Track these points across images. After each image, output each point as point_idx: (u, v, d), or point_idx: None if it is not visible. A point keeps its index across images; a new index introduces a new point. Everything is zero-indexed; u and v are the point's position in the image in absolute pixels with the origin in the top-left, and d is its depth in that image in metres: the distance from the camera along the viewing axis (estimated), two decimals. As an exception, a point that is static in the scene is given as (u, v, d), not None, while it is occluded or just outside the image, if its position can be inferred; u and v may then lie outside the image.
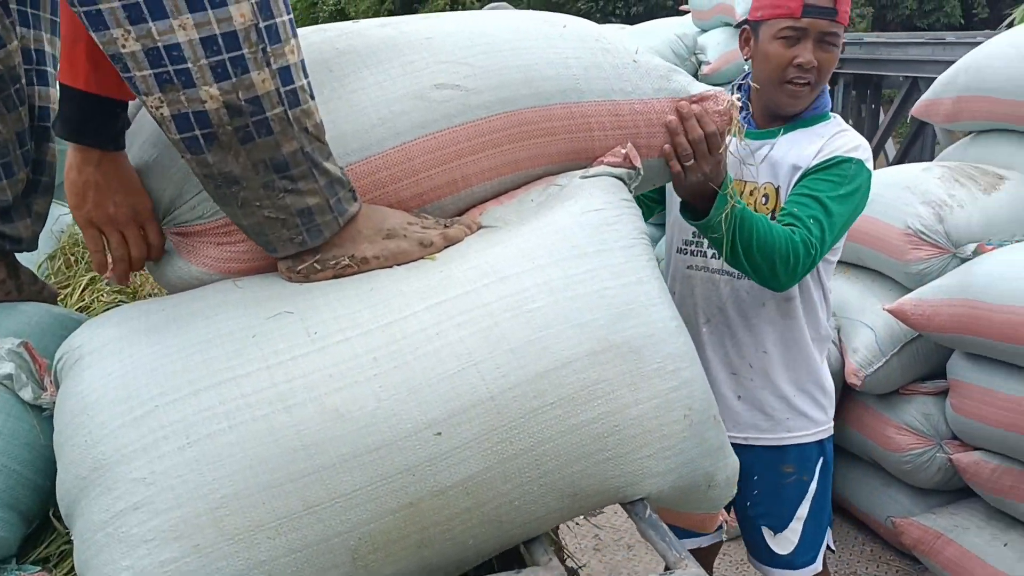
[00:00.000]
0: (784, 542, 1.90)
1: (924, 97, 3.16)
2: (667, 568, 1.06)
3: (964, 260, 2.50)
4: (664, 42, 5.39)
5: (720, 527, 1.99)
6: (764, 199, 1.78)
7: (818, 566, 1.91)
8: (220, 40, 0.96)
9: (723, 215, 1.48)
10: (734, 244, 1.53)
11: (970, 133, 3.15)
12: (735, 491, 1.30)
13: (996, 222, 2.53)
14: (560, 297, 1.12)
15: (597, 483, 1.11)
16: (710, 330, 1.85)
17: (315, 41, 1.23)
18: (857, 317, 2.78)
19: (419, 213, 1.25)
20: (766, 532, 1.91)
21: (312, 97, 1.07)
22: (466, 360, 1.06)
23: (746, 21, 1.84)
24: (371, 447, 1.01)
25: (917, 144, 5.48)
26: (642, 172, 1.34)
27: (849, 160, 1.67)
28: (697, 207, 1.53)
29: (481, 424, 1.04)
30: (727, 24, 5.38)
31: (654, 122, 1.38)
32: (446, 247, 1.20)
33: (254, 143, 1.03)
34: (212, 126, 1.00)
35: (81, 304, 1.63)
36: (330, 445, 1.00)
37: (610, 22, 12.85)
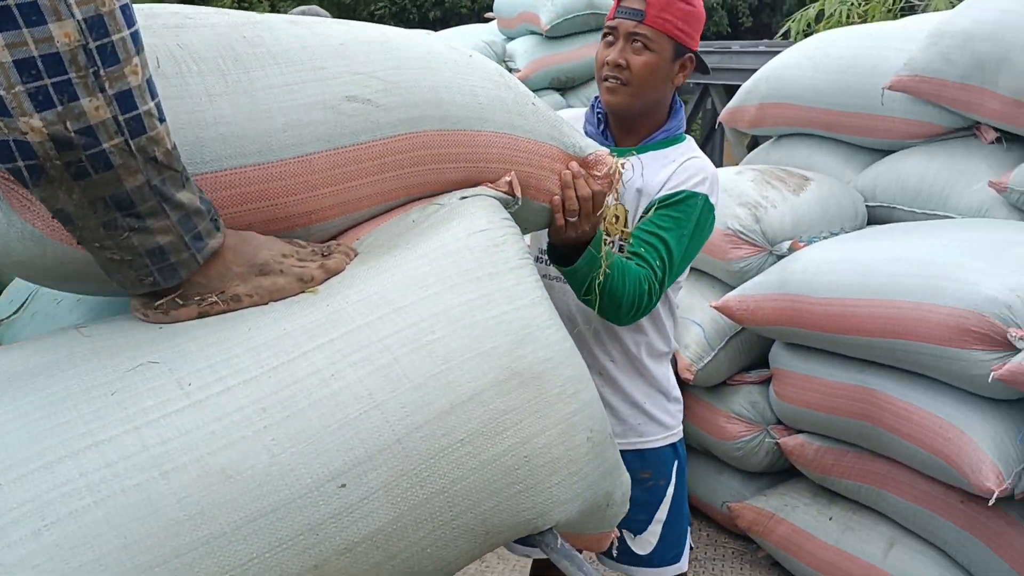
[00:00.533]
0: (644, 543, 1.93)
1: (730, 104, 3.37)
2: (587, 599, 1.03)
3: (780, 257, 2.68)
4: (471, 46, 5.41)
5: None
6: (615, 219, 1.77)
7: (682, 566, 1.96)
8: (39, 63, 0.82)
9: (587, 268, 1.51)
10: (589, 288, 1.54)
11: (770, 137, 3.40)
12: (628, 507, 1.29)
13: (806, 220, 2.73)
14: (459, 326, 1.06)
15: (509, 517, 1.06)
16: None
17: (219, 23, 1.07)
18: (686, 315, 2.91)
19: (292, 239, 1.14)
20: (626, 534, 1.93)
21: (162, 120, 0.93)
22: (368, 402, 0.97)
23: None
24: (267, 509, 0.90)
25: (708, 147, 5.86)
26: (520, 202, 1.30)
27: (694, 196, 1.69)
28: (563, 254, 1.54)
29: (389, 470, 0.96)
30: (533, 32, 5.50)
31: (544, 166, 1.38)
32: (326, 279, 1.09)
33: (90, 179, 0.88)
34: (38, 158, 0.85)
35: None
36: (219, 512, 0.88)
37: (407, 27, 12.78)
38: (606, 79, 1.72)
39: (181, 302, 1.02)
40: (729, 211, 2.79)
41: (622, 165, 1.46)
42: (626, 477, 1.25)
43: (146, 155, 0.91)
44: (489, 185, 1.29)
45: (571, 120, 1.86)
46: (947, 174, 2.64)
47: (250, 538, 0.89)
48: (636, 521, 1.92)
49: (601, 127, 1.79)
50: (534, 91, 5.44)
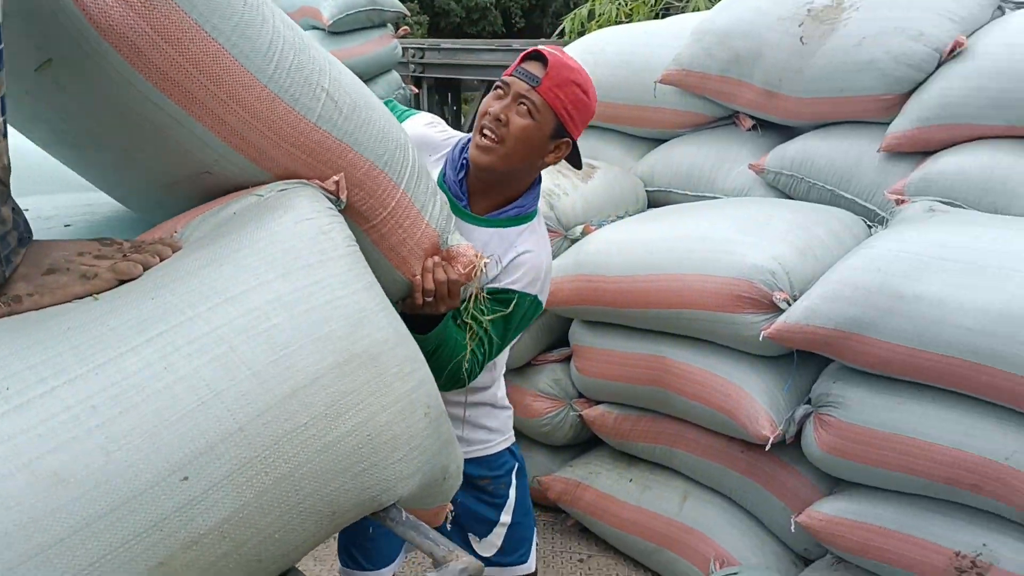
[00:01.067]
0: (489, 546, 1.97)
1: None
2: (436, 564, 1.07)
3: (574, 241, 2.85)
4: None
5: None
6: (472, 301, 1.75)
7: (530, 565, 2.03)
8: None
9: (435, 341, 1.54)
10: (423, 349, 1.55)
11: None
12: (461, 479, 1.35)
13: (595, 205, 2.92)
14: (295, 312, 1.06)
15: (355, 496, 1.08)
16: None
17: None
18: (489, 301, 3.01)
19: (109, 239, 1.09)
20: (472, 539, 1.97)
21: (4, 136, 0.90)
22: (205, 392, 0.95)
23: None
24: (106, 509, 0.86)
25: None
26: (344, 204, 1.29)
27: (524, 297, 1.70)
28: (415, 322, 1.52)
29: (232, 459, 0.95)
30: (315, 28, 5.40)
31: (420, 244, 1.41)
32: (121, 281, 1.05)
33: None
34: None
35: None
36: (54, 518, 0.83)
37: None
38: (483, 129, 1.65)
39: None
40: (525, 199, 2.92)
41: (484, 264, 1.50)
42: (459, 451, 1.31)
43: None
44: (316, 182, 1.27)
45: (428, 130, 1.83)
46: (714, 159, 2.92)
47: (89, 541, 0.85)
48: (481, 524, 1.96)
49: (461, 175, 1.73)
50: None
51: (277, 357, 1.01)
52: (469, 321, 1.62)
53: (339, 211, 1.28)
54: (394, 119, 1.42)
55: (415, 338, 1.46)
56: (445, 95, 6.73)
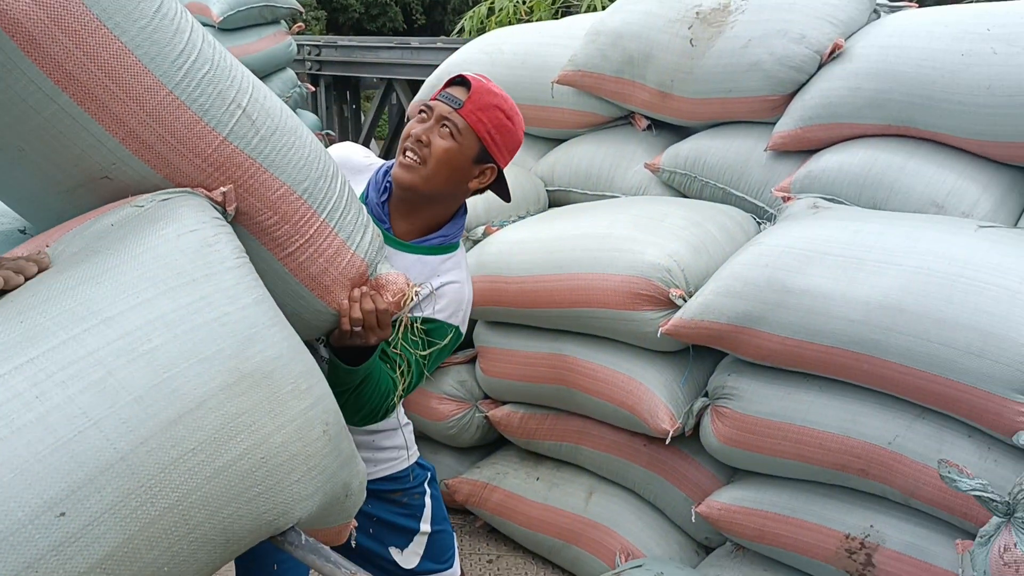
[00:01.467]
0: (411, 557, 1.95)
1: (416, 99, 3.48)
2: (337, 587, 1.05)
3: (476, 242, 2.84)
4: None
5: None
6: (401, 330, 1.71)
7: (455, 571, 2.01)
8: None
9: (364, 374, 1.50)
10: (348, 390, 1.51)
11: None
12: (365, 495, 1.32)
13: (496, 206, 2.91)
14: (178, 331, 1.01)
15: (250, 522, 1.04)
16: None
17: None
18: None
19: None
20: (393, 551, 1.94)
21: None
22: (82, 421, 0.90)
23: None
24: (-27, 554, 0.81)
25: (397, 141, 5.99)
26: (232, 216, 1.24)
27: (446, 328, 1.69)
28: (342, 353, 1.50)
29: (114, 491, 0.90)
30: (205, 24, 5.21)
31: (333, 257, 1.37)
32: None
33: None
34: None
35: None
36: (-87, 567, 0.77)
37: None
38: (405, 151, 1.64)
39: None
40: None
41: (416, 292, 1.48)
42: (362, 466, 1.28)
43: None
44: (202, 191, 1.22)
45: (351, 151, 1.83)
46: (612, 158, 2.97)
47: (-46, 590, 0.79)
48: (400, 535, 1.94)
49: (384, 197, 1.70)
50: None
51: (160, 380, 0.97)
52: (400, 351, 1.58)
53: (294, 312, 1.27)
54: (325, 152, 1.39)
55: (343, 371, 1.47)
56: (344, 93, 6.61)
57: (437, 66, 3.47)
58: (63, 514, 0.86)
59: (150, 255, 1.07)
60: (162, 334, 1.00)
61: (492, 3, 6.21)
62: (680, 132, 2.91)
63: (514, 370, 2.78)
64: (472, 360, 3.00)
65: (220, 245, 1.15)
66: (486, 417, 2.96)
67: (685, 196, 2.82)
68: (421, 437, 3.18)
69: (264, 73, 5.32)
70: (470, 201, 2.90)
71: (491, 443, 3.10)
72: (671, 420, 2.30)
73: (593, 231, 2.52)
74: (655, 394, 2.35)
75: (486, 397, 2.99)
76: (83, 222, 1.14)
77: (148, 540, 0.92)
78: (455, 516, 3.18)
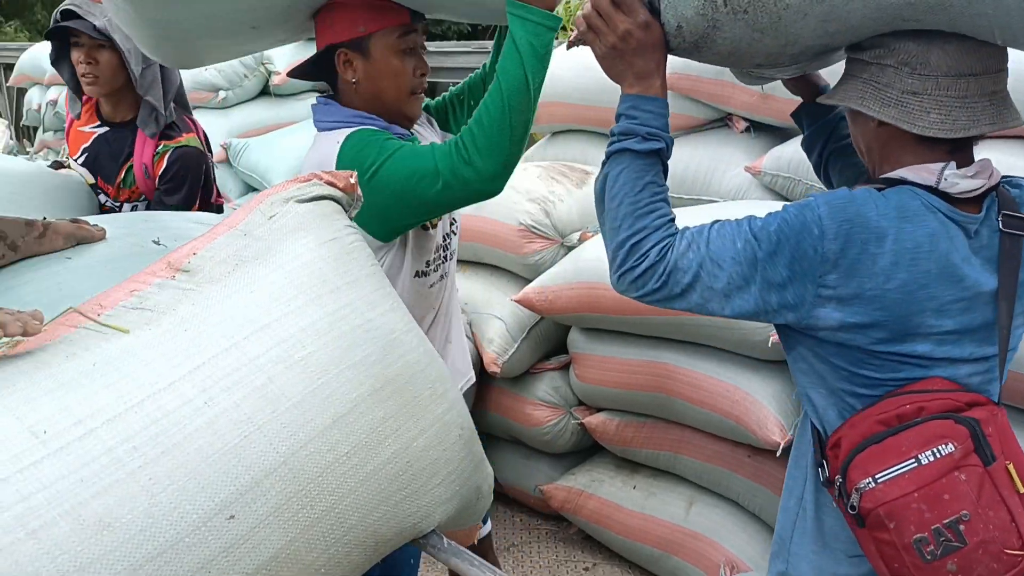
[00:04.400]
0: None
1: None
2: (483, 593, 1.05)
3: (571, 248, 2.83)
4: (231, 53, 5.15)
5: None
6: None
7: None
8: None
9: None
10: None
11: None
12: (492, 497, 1.33)
13: (590, 212, 2.88)
14: (328, 338, 1.03)
15: (396, 524, 1.05)
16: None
17: None
18: (485, 310, 2.99)
19: None
20: None
21: None
22: (248, 426, 0.92)
23: (336, 45, 1.62)
24: (153, 553, 0.83)
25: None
26: (360, 202, 1.27)
27: None
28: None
29: (278, 494, 0.92)
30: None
31: None
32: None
33: None
34: None
35: None
36: (100, 565, 0.81)
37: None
38: (415, 90, 1.67)
39: None
40: (519, 207, 2.90)
41: None
42: (490, 469, 1.29)
43: None
44: (325, 180, 1.24)
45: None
46: (709, 162, 2.92)
47: (136, 588, 0.82)
48: None
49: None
50: (294, 95, 5.28)
51: (315, 386, 0.99)
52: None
53: (354, 210, 1.27)
54: None
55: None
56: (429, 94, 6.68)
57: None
58: (232, 517, 0.88)
59: (296, 264, 1.09)
60: (314, 341, 1.02)
61: (568, 3, 6.17)
62: (780, 134, 2.85)
63: (610, 377, 2.76)
64: (566, 366, 2.99)
65: (357, 253, 1.18)
66: (581, 424, 2.94)
67: (788, 200, 2.76)
68: (514, 442, 3.19)
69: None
70: (563, 207, 2.91)
71: (586, 449, 3.08)
72: (781, 432, 2.24)
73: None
74: (763, 405, 2.30)
75: (581, 403, 2.97)
76: (218, 236, 1.17)
77: (308, 542, 0.94)
78: (549, 522, 3.17)
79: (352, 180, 1.27)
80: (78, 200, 2.22)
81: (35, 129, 6.31)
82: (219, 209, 2.42)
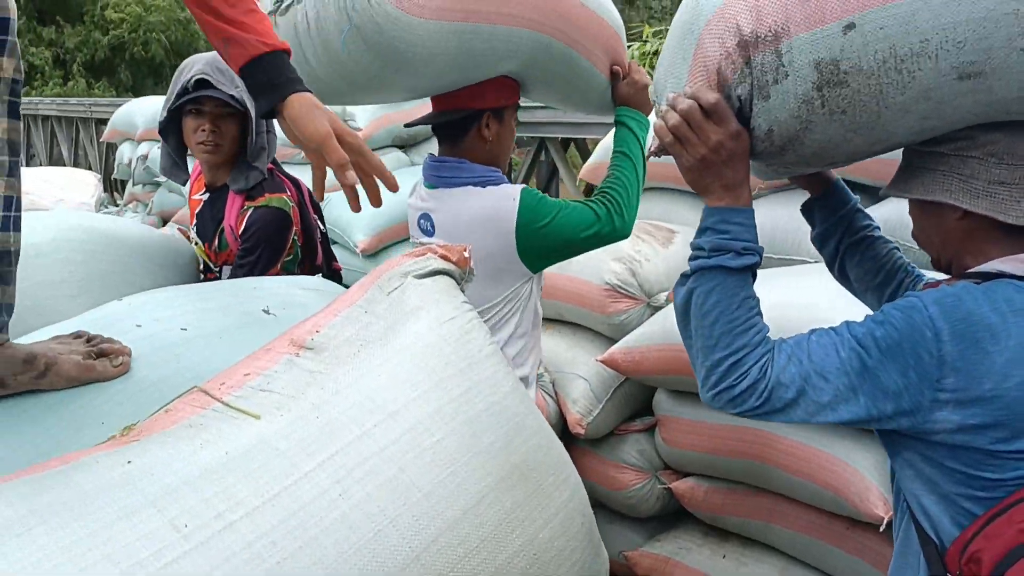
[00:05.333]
0: None
1: (590, 161, 3.50)
2: None
3: (657, 308, 2.79)
4: (314, 107, 5.29)
5: None
6: None
7: None
8: None
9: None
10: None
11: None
12: None
13: (677, 271, 2.83)
14: (455, 424, 1.02)
15: (522, 621, 1.02)
16: None
17: None
18: (569, 369, 2.95)
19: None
20: None
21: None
22: (381, 520, 0.91)
23: (484, 109, 1.90)
24: (290, 654, 0.81)
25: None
26: (474, 276, 1.27)
27: None
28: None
29: (410, 591, 0.90)
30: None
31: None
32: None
33: None
34: None
35: None
36: (240, 667, 0.79)
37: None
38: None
39: None
40: (604, 266, 2.88)
41: None
42: (606, 555, 1.25)
43: None
44: (439, 254, 1.25)
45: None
46: (798, 220, 2.84)
47: None
48: None
49: None
50: (376, 149, 5.39)
51: (445, 476, 0.97)
52: None
53: (467, 283, 1.26)
54: None
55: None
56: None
57: (589, 124, 3.49)
58: (367, 615, 0.86)
59: (419, 345, 1.08)
60: (442, 428, 1.00)
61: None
62: (870, 193, 2.77)
63: (700, 442, 2.68)
64: (652, 428, 2.93)
65: (475, 332, 1.16)
66: (667, 489, 2.86)
67: (883, 261, 2.67)
68: (597, 505, 3.12)
69: (424, 136, 5.50)
70: (650, 267, 2.88)
71: (672, 514, 2.99)
72: (885, 506, 2.13)
73: (791, 300, 2.41)
74: (864, 476, 2.20)
75: (667, 467, 2.90)
76: (338, 314, 1.17)
77: (436, 642, 0.92)
78: (633, 589, 3.08)
79: (466, 254, 1.27)
80: (182, 267, 2.28)
81: (124, 182, 6.57)
82: (335, 275, 2.41)
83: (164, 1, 21.87)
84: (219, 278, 2.25)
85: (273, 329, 1.44)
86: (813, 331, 1.18)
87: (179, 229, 2.43)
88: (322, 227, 2.38)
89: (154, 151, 6.25)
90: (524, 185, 1.93)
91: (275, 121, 1.41)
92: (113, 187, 7.57)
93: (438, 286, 1.20)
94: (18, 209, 1.23)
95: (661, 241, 2.92)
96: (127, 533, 0.81)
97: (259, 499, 0.87)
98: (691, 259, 1.20)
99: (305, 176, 2.59)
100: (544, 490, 1.06)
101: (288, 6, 1.68)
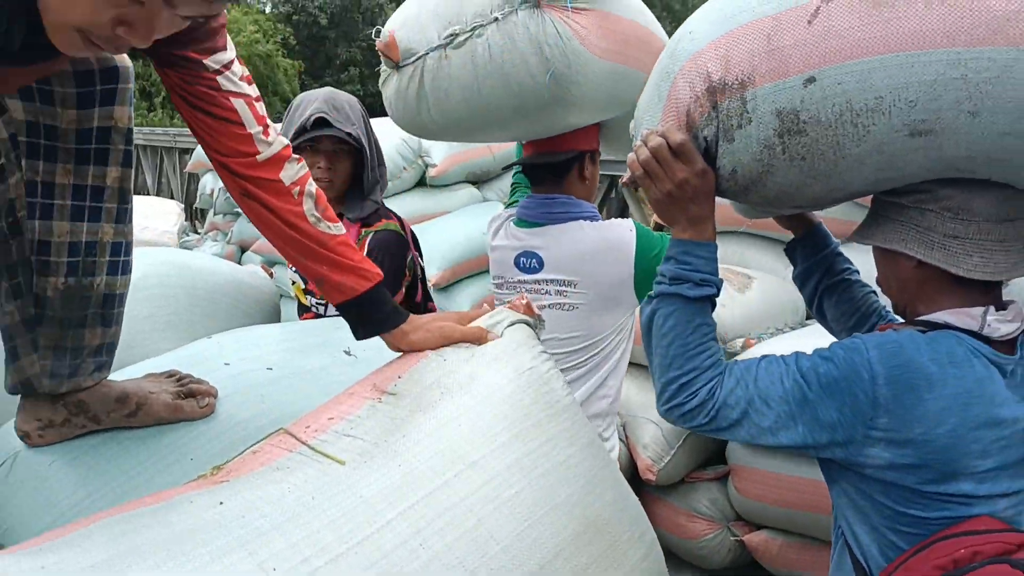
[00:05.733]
0: None
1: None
2: None
3: (734, 354, 2.75)
4: (390, 146, 5.40)
5: None
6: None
7: None
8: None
9: None
10: None
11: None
12: None
13: (754, 318, 2.82)
14: (532, 477, 1.02)
15: None
16: None
17: None
18: (641, 413, 2.92)
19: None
20: None
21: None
22: (460, 572, 0.92)
23: (586, 151, 2.07)
24: None
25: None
26: (544, 324, 1.29)
27: None
28: None
29: (486, 647, 0.90)
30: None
31: None
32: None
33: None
34: None
35: None
36: None
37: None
38: None
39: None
40: (679, 310, 2.85)
41: None
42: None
43: None
44: (513, 307, 1.27)
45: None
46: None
47: None
48: None
49: None
50: (448, 186, 5.47)
51: (523, 529, 0.97)
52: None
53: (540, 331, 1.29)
54: None
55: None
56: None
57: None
58: (443, 667, 0.87)
59: (499, 396, 1.10)
60: (520, 480, 1.01)
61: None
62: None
63: (774, 494, 2.62)
64: (724, 477, 2.87)
65: (554, 383, 1.17)
66: (740, 541, 2.80)
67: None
68: (666, 554, 3.06)
69: (498, 172, 5.56)
70: (727, 312, 2.84)
71: (742, 566, 2.92)
72: (973, 569, 2.05)
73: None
74: (950, 537, 2.11)
75: (739, 518, 2.83)
76: (419, 359, 1.19)
77: None
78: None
79: (536, 310, 1.29)
80: (263, 304, 2.34)
81: (205, 211, 6.80)
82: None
83: (246, 37, 22.74)
84: (318, 316, 2.27)
85: (354, 371, 1.48)
86: (764, 357, 1.25)
87: (262, 266, 2.49)
88: (422, 264, 2.40)
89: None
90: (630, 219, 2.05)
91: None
92: (194, 216, 7.83)
93: (516, 336, 1.22)
94: (128, 254, 1.28)
95: (738, 286, 2.88)
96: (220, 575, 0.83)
97: (343, 546, 0.88)
98: (655, 283, 1.28)
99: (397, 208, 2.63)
100: (619, 547, 1.05)
101: (465, 40, 1.77)
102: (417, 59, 1.85)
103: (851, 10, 1.06)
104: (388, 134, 5.65)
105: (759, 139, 1.13)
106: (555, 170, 2.06)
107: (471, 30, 1.77)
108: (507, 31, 1.76)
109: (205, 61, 1.13)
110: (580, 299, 2.01)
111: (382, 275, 1.26)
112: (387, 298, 1.26)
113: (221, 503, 0.92)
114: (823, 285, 1.54)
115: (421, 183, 5.34)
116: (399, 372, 1.19)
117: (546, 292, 2.06)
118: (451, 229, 4.59)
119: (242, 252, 6.10)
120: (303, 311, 2.33)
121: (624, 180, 1.33)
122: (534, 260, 2.08)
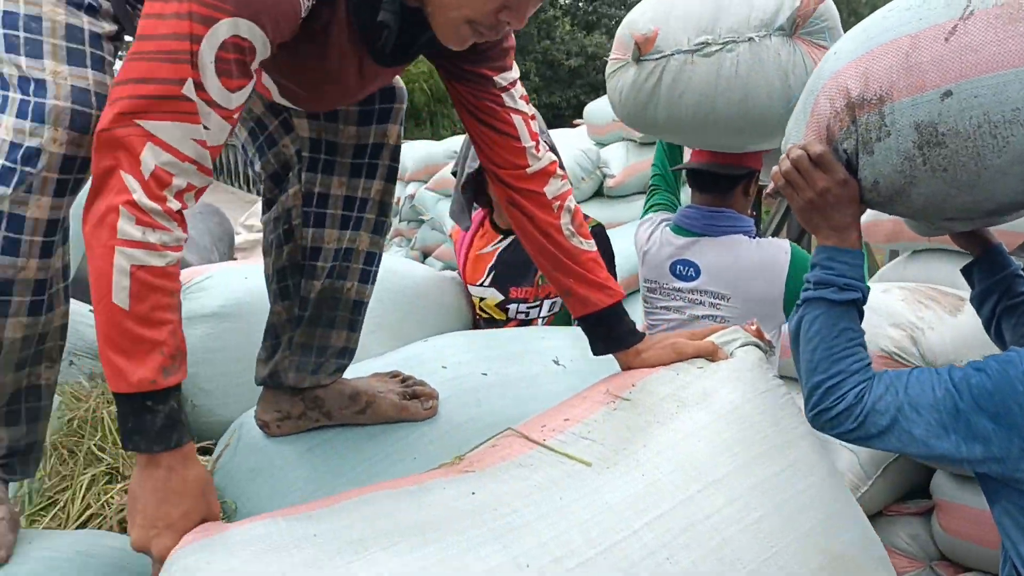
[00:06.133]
0: None
1: (864, 218, 3.32)
2: None
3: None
4: (569, 156, 5.45)
5: None
6: None
7: None
8: None
9: None
10: None
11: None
12: None
13: (967, 343, 2.62)
14: (776, 502, 1.00)
15: None
16: None
17: None
18: (835, 439, 2.79)
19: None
20: None
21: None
22: (706, 590, 0.90)
23: (755, 171, 2.14)
24: None
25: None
26: (774, 351, 1.28)
27: None
28: None
29: (732, 671, 0.88)
30: (625, 139, 5.55)
31: None
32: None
33: None
34: None
35: (87, 512, 1.32)
36: None
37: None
38: None
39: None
40: (881, 331, 2.69)
41: None
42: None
43: None
44: (747, 329, 1.26)
45: None
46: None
47: None
48: None
49: None
50: (625, 196, 5.45)
51: (769, 555, 0.95)
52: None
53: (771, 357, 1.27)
54: None
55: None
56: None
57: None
58: None
59: (736, 415, 1.08)
60: (763, 504, 0.98)
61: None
62: None
63: (984, 534, 2.42)
64: (928, 512, 2.69)
65: (790, 409, 1.14)
66: (944, 582, 2.60)
67: None
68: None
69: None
70: (935, 336, 2.66)
71: (946, 611, 2.71)
72: None
73: None
74: None
75: (943, 558, 2.64)
76: (655, 371, 1.19)
77: None
78: None
79: (767, 337, 1.27)
80: (459, 311, 2.41)
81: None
82: None
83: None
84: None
85: (564, 381, 1.49)
86: (915, 368, 1.23)
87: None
88: None
89: (420, 191, 6.75)
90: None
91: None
92: (380, 223, 8.21)
93: (750, 357, 1.20)
94: (377, 265, 1.36)
95: (948, 309, 2.69)
96: (475, 565, 0.86)
97: (592, 550, 0.89)
98: (802, 291, 1.28)
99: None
100: (864, 585, 1.00)
101: (715, 51, 1.82)
102: (661, 57, 1.90)
103: (988, 26, 1.07)
104: (568, 145, 5.73)
105: (899, 151, 1.15)
106: (727, 182, 2.10)
107: (723, 44, 1.81)
108: (758, 53, 1.80)
109: (495, 78, 1.20)
110: (731, 312, 2.00)
111: (624, 294, 1.29)
112: (626, 316, 1.28)
113: (473, 493, 0.95)
114: (1001, 306, 1.48)
115: (599, 193, 5.37)
116: (633, 381, 1.20)
117: (700, 303, 2.05)
118: (627, 240, 4.58)
119: (424, 257, 6.34)
120: (490, 324, 2.38)
121: (768, 191, 1.37)
122: (691, 269, 2.08)
